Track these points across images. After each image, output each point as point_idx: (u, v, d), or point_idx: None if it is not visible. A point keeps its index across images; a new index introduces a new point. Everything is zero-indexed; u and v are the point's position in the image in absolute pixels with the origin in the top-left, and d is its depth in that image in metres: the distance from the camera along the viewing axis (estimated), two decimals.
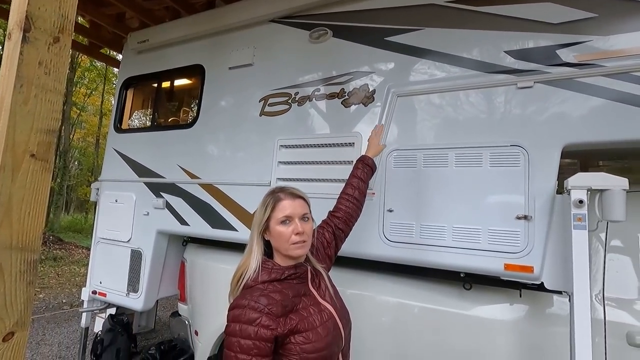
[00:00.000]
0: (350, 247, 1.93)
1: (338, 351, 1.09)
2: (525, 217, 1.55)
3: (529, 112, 1.63)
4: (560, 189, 1.56)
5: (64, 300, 5.43)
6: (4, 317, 0.89)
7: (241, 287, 1.06)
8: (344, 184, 1.99)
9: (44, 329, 4.23)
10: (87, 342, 3.07)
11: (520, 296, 1.67)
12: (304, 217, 1.13)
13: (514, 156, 1.61)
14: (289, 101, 2.22)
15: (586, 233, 1.35)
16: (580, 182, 1.36)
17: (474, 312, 1.73)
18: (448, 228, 1.71)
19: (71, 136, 16.76)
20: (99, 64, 15.44)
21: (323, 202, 2.01)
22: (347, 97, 2.05)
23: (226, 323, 1.02)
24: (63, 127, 15.04)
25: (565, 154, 1.58)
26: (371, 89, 1.99)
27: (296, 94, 2.21)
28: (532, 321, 1.65)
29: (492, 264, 1.60)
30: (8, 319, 0.90)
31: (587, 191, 1.36)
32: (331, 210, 1.50)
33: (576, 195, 1.35)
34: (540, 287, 1.62)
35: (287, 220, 1.10)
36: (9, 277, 0.90)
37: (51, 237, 10.17)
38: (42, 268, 7.71)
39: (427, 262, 1.76)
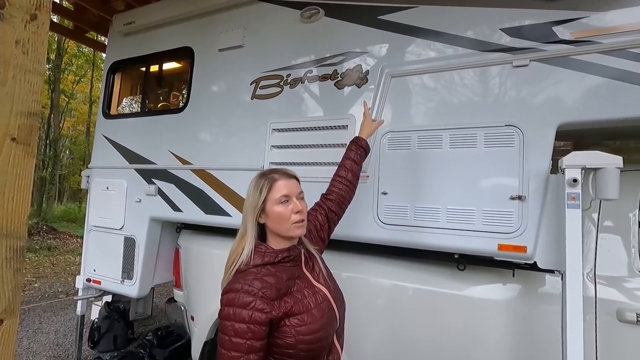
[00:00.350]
0: (344, 230, 1.93)
1: (333, 332, 1.09)
2: (519, 198, 1.55)
3: (524, 91, 1.61)
4: (555, 169, 1.55)
5: (59, 289, 5.42)
6: None
7: (234, 271, 1.05)
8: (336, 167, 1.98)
9: (40, 318, 4.23)
10: (84, 330, 3.08)
11: (514, 276, 1.68)
12: (300, 196, 1.12)
13: (508, 136, 1.59)
14: (281, 83, 2.17)
15: (580, 212, 1.35)
16: (575, 161, 1.36)
17: (467, 293, 1.75)
18: (442, 210, 1.70)
19: (61, 125, 16.45)
20: (86, 49, 15.06)
21: (317, 185, 1.99)
22: (340, 78, 2.01)
23: (220, 307, 1.01)
24: (52, 116, 14.76)
25: (559, 135, 1.56)
26: (365, 70, 1.95)
27: (288, 76, 2.16)
28: (524, 300, 1.67)
29: (486, 245, 1.61)
30: None
31: (582, 170, 1.35)
32: (324, 192, 1.49)
33: (570, 174, 1.35)
34: (533, 267, 1.63)
35: (285, 200, 1.08)
36: None
37: (44, 227, 10.08)
38: (36, 258, 7.68)
39: (422, 244, 1.77)
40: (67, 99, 16.74)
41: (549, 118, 1.54)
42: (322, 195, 1.47)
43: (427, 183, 1.75)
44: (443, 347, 1.74)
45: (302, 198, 1.14)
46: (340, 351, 1.14)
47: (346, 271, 1.99)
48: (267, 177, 1.12)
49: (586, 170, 1.37)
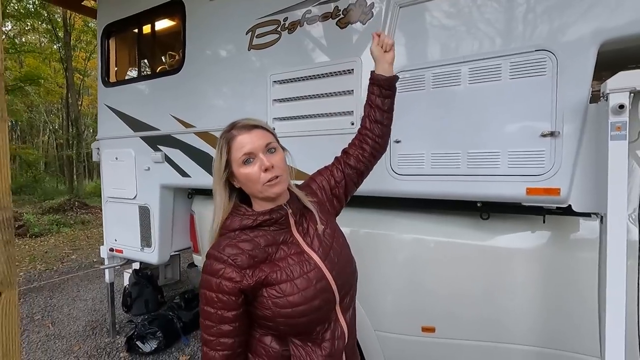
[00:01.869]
0: None
1: (327, 306, 0.93)
2: (551, 134, 1.36)
3: (559, 4, 1.35)
4: (595, 98, 1.34)
5: (94, 260, 5.71)
6: None
7: (215, 236, 0.95)
8: (345, 117, 1.82)
9: (78, 286, 4.49)
10: (115, 296, 3.21)
11: (544, 222, 1.53)
12: (269, 149, 0.92)
13: (539, 63, 1.36)
14: (278, 29, 1.97)
15: (626, 144, 1.15)
16: (622, 83, 1.14)
17: (492, 243, 1.63)
18: (462, 155, 1.54)
19: (79, 103, 16.70)
20: (92, 24, 14.82)
21: (326, 139, 1.86)
22: (342, 16, 1.79)
23: None
24: (69, 95, 14.96)
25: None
26: (369, 3, 1.71)
27: (285, 19, 1.94)
28: (556, 248, 1.54)
29: (512, 190, 1.45)
30: None
31: (630, 94, 1.14)
32: (345, 147, 1.24)
33: (616, 99, 1.14)
34: (567, 211, 1.47)
35: (249, 158, 0.90)
36: None
37: (77, 203, 10.57)
38: (72, 232, 8.12)
39: (441, 194, 1.63)
40: (81, 77, 16.84)
41: (590, 35, 1.30)
42: (343, 149, 1.24)
43: (444, 127, 1.57)
44: (467, 300, 1.65)
45: (275, 149, 0.93)
46: (345, 328, 0.96)
47: (364, 227, 1.90)
48: (225, 135, 0.93)
49: (635, 94, 1.15)
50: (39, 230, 7.78)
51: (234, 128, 0.94)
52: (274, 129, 1.02)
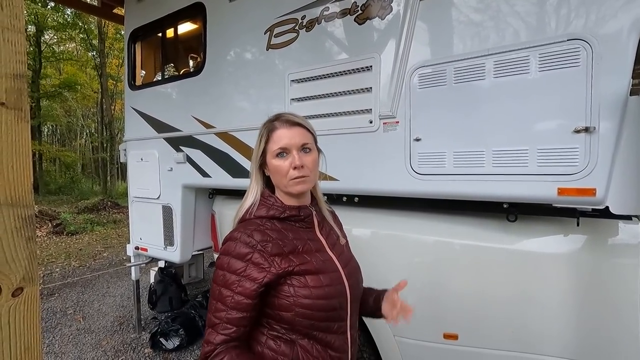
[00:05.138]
0: (375, 184, 1.76)
1: (341, 312, 0.92)
2: (586, 130, 1.26)
3: None
4: (635, 91, 1.23)
5: (124, 257, 5.93)
6: (8, 273, 0.86)
7: (237, 220, 0.96)
8: (363, 115, 1.77)
9: (108, 283, 4.66)
10: (140, 293, 3.30)
11: (578, 225, 1.42)
12: (304, 148, 0.93)
13: (572, 53, 1.27)
14: (296, 28, 1.95)
15: None
16: None
17: (520, 246, 1.53)
18: (487, 153, 1.46)
19: (112, 107, 17.50)
20: (124, 32, 15.49)
21: (343, 138, 1.83)
22: (360, 11, 1.75)
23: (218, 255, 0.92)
24: (103, 99, 15.71)
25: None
26: None
27: (303, 18, 1.93)
28: (591, 253, 1.42)
29: (541, 190, 1.36)
30: (13, 275, 0.87)
31: None
32: None
33: None
34: (604, 213, 1.36)
35: (283, 152, 0.92)
36: (4, 234, 0.86)
37: (109, 203, 11.04)
38: (104, 230, 8.47)
39: (464, 194, 1.55)
40: (114, 83, 17.64)
41: (629, 21, 1.19)
42: None
43: (467, 124, 1.50)
44: (492, 307, 1.56)
45: (309, 150, 0.94)
46: (349, 343, 0.96)
47: (384, 229, 1.85)
48: (267, 125, 0.96)
49: None
50: (75, 228, 8.17)
51: (277, 120, 0.96)
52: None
